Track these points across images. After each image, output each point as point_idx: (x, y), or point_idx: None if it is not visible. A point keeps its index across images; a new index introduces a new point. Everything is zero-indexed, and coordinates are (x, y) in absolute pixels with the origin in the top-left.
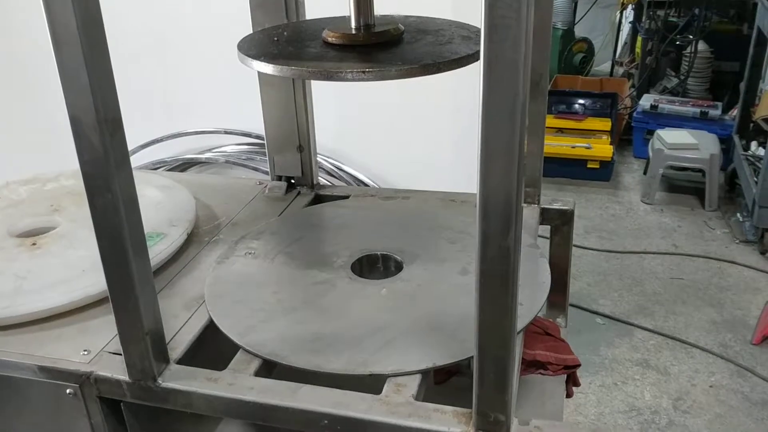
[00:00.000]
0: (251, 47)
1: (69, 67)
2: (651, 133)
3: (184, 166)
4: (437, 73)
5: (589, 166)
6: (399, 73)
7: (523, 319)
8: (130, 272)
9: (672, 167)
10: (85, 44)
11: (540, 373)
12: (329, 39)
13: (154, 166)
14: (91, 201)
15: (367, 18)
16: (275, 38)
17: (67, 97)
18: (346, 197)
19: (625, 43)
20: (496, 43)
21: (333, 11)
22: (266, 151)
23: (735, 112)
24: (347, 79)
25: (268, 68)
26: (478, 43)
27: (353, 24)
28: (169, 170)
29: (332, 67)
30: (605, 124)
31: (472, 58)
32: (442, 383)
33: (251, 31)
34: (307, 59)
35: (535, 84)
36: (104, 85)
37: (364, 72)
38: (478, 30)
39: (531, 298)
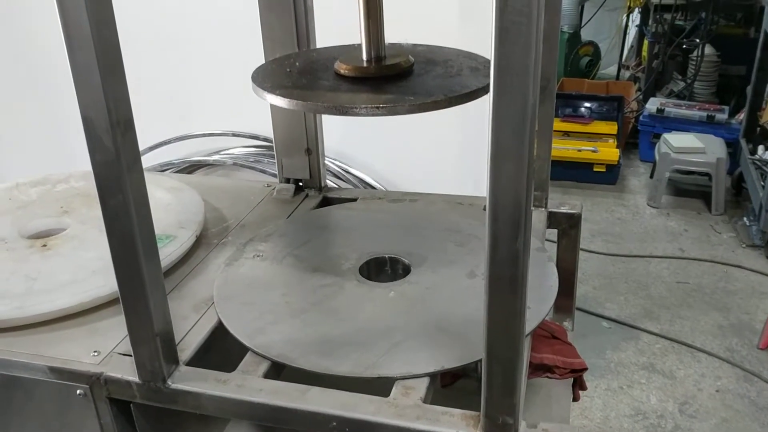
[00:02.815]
0: (265, 79)
1: (82, 69)
2: (657, 136)
3: (191, 168)
4: (448, 107)
5: (595, 169)
6: (411, 109)
7: (530, 322)
8: (140, 274)
9: (678, 171)
10: (98, 46)
11: (547, 377)
12: (341, 71)
13: (162, 168)
14: (103, 202)
15: (378, 49)
16: (288, 69)
17: (80, 98)
18: (354, 200)
19: (632, 46)
20: (507, 46)
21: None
22: (274, 153)
23: (742, 115)
24: (361, 115)
25: (283, 102)
26: (487, 76)
27: (364, 56)
28: (177, 172)
29: (346, 102)
30: (611, 127)
31: (482, 91)
32: (447, 386)
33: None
34: (321, 91)
35: (542, 88)
36: (117, 86)
37: (377, 108)
38: (486, 60)
39: (538, 301)
